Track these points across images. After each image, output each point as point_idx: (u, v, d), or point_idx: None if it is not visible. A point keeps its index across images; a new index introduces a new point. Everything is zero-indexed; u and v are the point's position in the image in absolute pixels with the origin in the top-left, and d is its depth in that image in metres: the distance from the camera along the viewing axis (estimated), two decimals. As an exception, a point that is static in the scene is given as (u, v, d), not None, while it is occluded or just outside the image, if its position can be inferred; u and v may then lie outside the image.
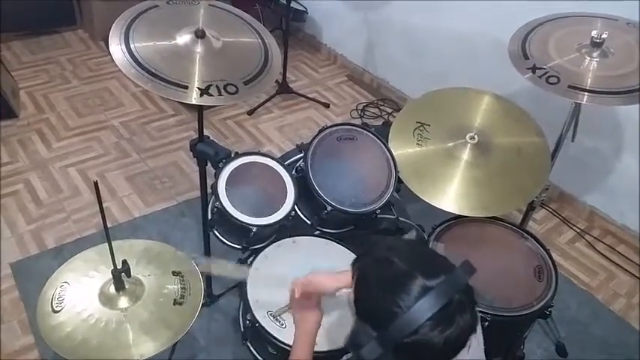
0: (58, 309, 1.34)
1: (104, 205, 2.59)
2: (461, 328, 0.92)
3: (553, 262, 1.87)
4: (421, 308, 0.90)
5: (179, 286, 1.43)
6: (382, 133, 1.99)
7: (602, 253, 2.74)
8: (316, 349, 1.43)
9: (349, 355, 1.48)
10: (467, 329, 0.93)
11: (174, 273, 1.48)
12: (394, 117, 3.00)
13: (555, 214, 2.93)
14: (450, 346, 0.92)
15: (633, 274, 2.64)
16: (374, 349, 0.94)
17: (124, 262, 1.33)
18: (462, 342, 0.94)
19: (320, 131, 1.90)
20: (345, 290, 1.43)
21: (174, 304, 1.38)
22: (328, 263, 1.72)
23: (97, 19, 3.81)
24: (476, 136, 1.90)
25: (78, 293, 1.38)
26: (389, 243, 1.04)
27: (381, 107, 3.62)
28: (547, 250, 1.90)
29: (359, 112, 3.57)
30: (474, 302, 0.96)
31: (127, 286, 1.37)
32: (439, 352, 0.92)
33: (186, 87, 1.50)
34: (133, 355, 1.26)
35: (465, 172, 1.86)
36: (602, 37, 1.76)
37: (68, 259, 1.49)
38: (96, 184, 1.12)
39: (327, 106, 3.59)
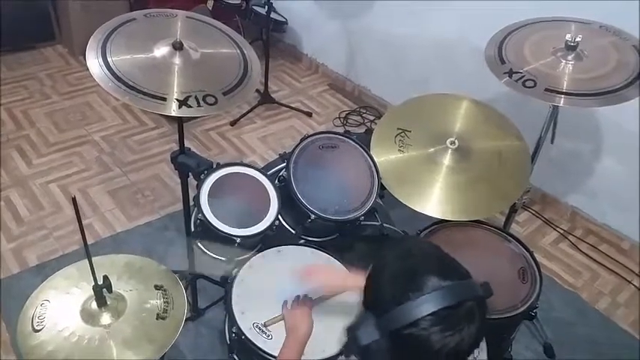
0: (38, 328, 1.32)
1: (86, 221, 2.63)
2: (462, 337, 0.88)
3: (537, 263, 1.88)
4: (426, 301, 0.87)
5: (162, 300, 1.42)
6: (364, 140, 2.00)
7: (585, 253, 2.77)
8: (305, 358, 1.43)
9: (342, 357, 1.47)
10: (469, 341, 0.89)
11: (156, 287, 1.46)
12: (376, 124, 3.02)
13: (538, 215, 2.96)
14: (447, 351, 0.88)
15: (617, 273, 2.67)
16: (371, 333, 0.92)
17: (105, 277, 1.31)
18: (461, 353, 0.90)
19: (302, 140, 1.90)
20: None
21: (157, 318, 1.37)
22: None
23: (76, 34, 3.79)
24: (456, 141, 1.91)
25: (59, 311, 1.36)
26: (411, 241, 1.03)
27: (364, 115, 3.63)
28: (530, 252, 1.92)
29: (341, 120, 3.58)
30: (484, 319, 0.92)
31: (108, 302, 1.35)
32: (434, 355, 0.89)
33: (164, 98, 1.49)
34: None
35: (447, 177, 1.88)
36: (577, 40, 1.79)
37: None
38: (74, 200, 1.11)
39: (309, 115, 3.60)
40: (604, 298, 2.56)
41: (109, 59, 1.54)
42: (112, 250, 2.44)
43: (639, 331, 2.40)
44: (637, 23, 2.05)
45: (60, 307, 1.37)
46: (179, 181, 1.88)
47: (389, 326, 0.91)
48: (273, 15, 3.55)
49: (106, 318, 1.34)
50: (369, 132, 3.10)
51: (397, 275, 0.95)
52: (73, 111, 3.40)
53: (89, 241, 2.45)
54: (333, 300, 1.61)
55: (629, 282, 2.63)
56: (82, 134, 3.22)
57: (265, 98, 3.56)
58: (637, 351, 2.32)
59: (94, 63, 1.53)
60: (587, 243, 2.82)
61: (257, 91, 3.58)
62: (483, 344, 1.13)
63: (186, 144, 1.82)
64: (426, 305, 0.87)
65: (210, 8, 3.44)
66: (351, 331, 0.96)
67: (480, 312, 0.90)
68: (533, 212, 2.97)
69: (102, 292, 1.31)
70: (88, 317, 1.34)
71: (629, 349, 2.32)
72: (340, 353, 1.50)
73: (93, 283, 1.30)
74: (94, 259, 1.46)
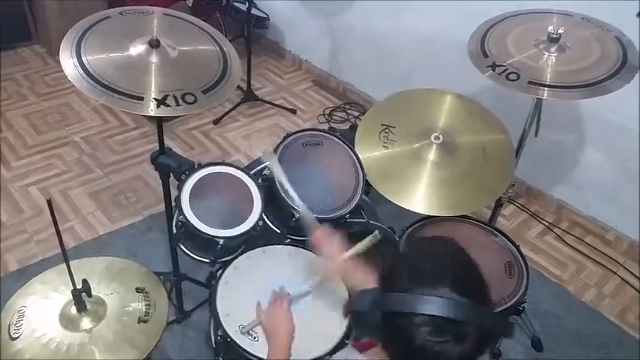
0: (15, 335, 1.28)
1: (68, 224, 2.58)
2: (444, 350, 0.87)
3: (523, 257, 1.88)
4: (429, 302, 0.86)
5: (143, 303, 1.38)
6: (349, 136, 1.97)
7: (571, 245, 2.78)
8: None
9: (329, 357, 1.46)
10: (454, 356, 0.87)
11: (138, 290, 1.42)
12: (360, 120, 3.00)
13: (524, 208, 2.96)
14: (429, 353, 0.87)
15: (602, 265, 2.68)
16: (366, 302, 0.94)
17: (84, 281, 1.27)
18: None
19: (285, 138, 1.87)
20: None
21: (139, 322, 1.33)
22: (300, 271, 1.69)
23: (54, 34, 3.71)
24: (440, 136, 1.89)
25: (37, 317, 1.32)
26: (453, 247, 1.01)
27: (348, 111, 3.61)
28: (517, 246, 1.91)
29: (326, 116, 3.55)
30: (481, 347, 0.90)
31: (88, 307, 1.31)
32: (413, 350, 0.88)
33: (141, 98, 1.45)
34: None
35: (432, 173, 1.86)
36: (559, 32, 1.78)
37: (31, 281, 1.43)
38: (49, 202, 1.07)
39: (293, 112, 3.57)
40: (590, 289, 2.57)
41: (84, 59, 1.51)
42: (95, 254, 2.38)
43: (627, 322, 2.41)
44: (618, 15, 2.05)
45: (38, 313, 1.33)
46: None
47: (386, 306, 0.92)
48: (254, 11, 3.52)
49: (85, 323, 1.30)
50: (353, 128, 3.08)
51: (419, 267, 0.95)
52: (52, 112, 3.34)
53: (71, 245, 2.47)
54: (314, 298, 1.59)
55: (615, 273, 2.64)
56: (62, 135, 3.16)
57: (248, 96, 3.53)
58: (624, 342, 2.33)
59: (68, 63, 1.50)
60: (573, 235, 2.83)
61: (240, 88, 3.54)
62: None
63: (169, 144, 1.79)
64: (427, 305, 0.87)
65: (191, 5, 3.39)
66: (357, 296, 0.98)
67: (476, 340, 0.88)
68: (519, 205, 2.97)
69: (81, 296, 1.27)
70: (68, 322, 1.30)
71: (615, 340, 2.33)
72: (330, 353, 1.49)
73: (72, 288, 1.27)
74: (73, 262, 1.43)
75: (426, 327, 0.86)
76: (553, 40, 1.79)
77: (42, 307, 1.35)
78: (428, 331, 0.86)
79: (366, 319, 0.95)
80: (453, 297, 0.87)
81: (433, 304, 0.86)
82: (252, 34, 3.42)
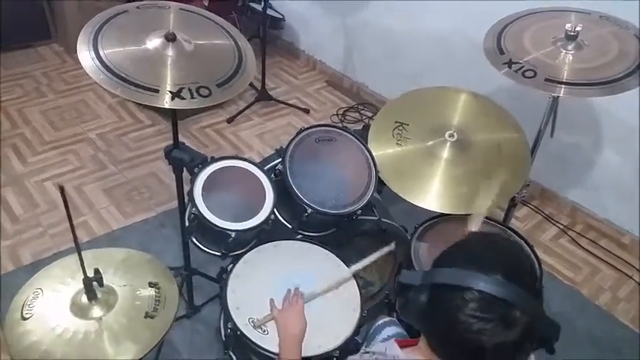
0: (27, 316, 1.29)
1: (82, 218, 2.60)
2: (486, 329, 0.86)
3: (537, 258, 1.85)
4: (480, 279, 0.87)
5: (154, 298, 1.38)
6: (362, 136, 1.96)
7: (585, 248, 2.74)
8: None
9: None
10: (494, 341, 0.86)
11: (150, 284, 1.43)
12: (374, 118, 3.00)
13: (537, 211, 2.93)
14: (468, 333, 0.86)
15: (617, 268, 2.64)
16: (414, 277, 0.95)
17: (96, 270, 1.28)
18: (481, 346, 0.87)
19: (298, 133, 1.87)
20: None
21: (145, 317, 1.33)
22: (311, 267, 1.69)
23: (71, 32, 3.75)
24: (455, 133, 1.88)
25: (50, 301, 1.33)
26: (508, 243, 1.02)
27: (362, 111, 3.61)
28: (531, 246, 1.88)
29: (339, 117, 3.55)
30: (523, 341, 0.89)
31: (99, 296, 1.32)
32: (456, 328, 0.87)
33: (157, 90, 1.46)
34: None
35: (446, 171, 1.85)
36: (577, 29, 1.76)
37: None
38: (62, 189, 1.08)
39: (307, 112, 3.57)
40: (604, 293, 2.53)
41: (101, 52, 1.52)
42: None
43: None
44: (637, 13, 2.03)
45: (51, 298, 1.34)
46: (175, 178, 1.86)
47: (434, 278, 0.92)
48: (269, 12, 3.53)
49: (94, 312, 1.31)
50: (366, 128, 3.07)
51: (473, 253, 0.95)
52: (69, 109, 3.38)
53: (84, 239, 2.48)
54: (326, 294, 1.58)
55: (630, 277, 2.61)
56: (78, 132, 3.20)
57: (262, 95, 3.54)
58: (637, 346, 2.29)
59: (85, 56, 1.51)
60: (587, 238, 2.79)
61: (254, 88, 3.55)
62: None
63: (183, 141, 1.80)
64: (477, 282, 0.87)
65: (207, 4, 3.41)
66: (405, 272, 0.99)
67: (522, 331, 0.87)
68: (533, 208, 2.94)
69: (91, 285, 1.28)
70: (77, 310, 1.31)
71: (629, 344, 2.29)
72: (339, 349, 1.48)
73: (89, 275, 1.28)
74: (92, 251, 1.45)
75: (474, 303, 0.86)
76: (571, 37, 1.77)
77: (56, 292, 1.36)
78: (474, 307, 0.86)
79: (412, 298, 0.94)
80: (505, 281, 0.87)
81: (484, 281, 0.87)
82: (267, 34, 3.43)
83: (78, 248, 1.20)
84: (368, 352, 1.08)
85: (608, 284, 2.57)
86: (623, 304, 2.48)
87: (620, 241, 2.75)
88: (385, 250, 1.58)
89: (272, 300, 1.54)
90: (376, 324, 1.56)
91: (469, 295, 0.87)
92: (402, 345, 1.06)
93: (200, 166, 1.71)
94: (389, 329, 1.44)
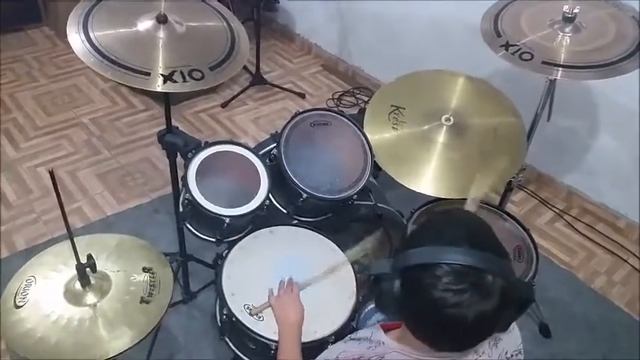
0: (20, 304, 1.28)
1: (75, 204, 2.57)
2: (463, 301, 0.84)
3: (533, 241, 1.85)
4: (448, 252, 0.87)
5: (148, 283, 1.37)
6: (358, 120, 1.94)
7: (581, 233, 2.74)
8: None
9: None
10: (474, 313, 0.85)
11: (144, 269, 1.42)
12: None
13: (534, 195, 2.93)
14: (446, 308, 0.85)
15: (613, 252, 2.65)
16: (384, 265, 0.94)
17: (89, 256, 1.27)
18: (462, 320, 0.86)
19: (293, 117, 1.85)
20: None
21: (140, 302, 1.32)
22: (307, 252, 1.68)
23: (63, 16, 3.68)
24: (451, 117, 1.86)
25: (43, 288, 1.33)
26: (467, 216, 1.05)
27: (357, 96, 3.58)
28: (527, 230, 1.88)
29: (335, 101, 3.53)
30: (504, 306, 0.87)
31: (92, 282, 1.31)
32: (432, 305, 0.86)
33: (148, 74, 1.44)
34: (93, 355, 1.21)
35: (442, 155, 1.83)
36: (574, 12, 1.74)
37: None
38: (51, 173, 1.06)
39: (302, 96, 3.54)
40: (600, 277, 2.54)
41: (91, 34, 1.48)
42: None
43: (637, 310, 2.39)
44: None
45: (45, 285, 1.34)
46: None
47: (403, 262, 0.91)
48: (264, -7, 3.48)
49: (88, 298, 1.30)
50: (362, 112, 3.05)
51: (438, 230, 0.95)
52: (61, 94, 3.34)
53: (78, 225, 2.47)
54: (322, 279, 1.58)
55: (625, 261, 2.61)
56: (71, 117, 3.16)
57: (257, 79, 3.50)
58: (633, 330, 2.30)
59: (75, 38, 1.47)
60: (583, 222, 2.80)
61: (249, 72, 3.52)
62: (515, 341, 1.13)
63: (176, 125, 1.77)
64: (445, 255, 0.87)
65: (200, -13, 3.35)
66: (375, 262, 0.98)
67: (500, 295, 0.86)
68: (529, 192, 2.94)
69: (85, 271, 1.27)
70: (71, 296, 1.30)
71: (625, 328, 2.31)
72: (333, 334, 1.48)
73: (81, 261, 1.26)
74: (85, 237, 1.43)
75: (446, 277, 0.86)
76: (568, 19, 1.75)
77: (49, 279, 1.35)
78: (447, 281, 0.86)
79: (386, 288, 0.93)
80: (473, 251, 0.87)
81: (451, 253, 0.87)
82: (261, 17, 3.38)
83: (70, 234, 1.18)
84: (353, 339, 1.07)
85: (604, 268, 2.58)
86: (619, 287, 2.49)
87: (615, 225, 2.75)
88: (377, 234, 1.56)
89: (271, 290, 1.53)
90: (367, 309, 1.56)
91: (439, 271, 0.86)
92: (387, 328, 1.05)
93: (194, 150, 1.69)
94: (379, 314, 1.43)
